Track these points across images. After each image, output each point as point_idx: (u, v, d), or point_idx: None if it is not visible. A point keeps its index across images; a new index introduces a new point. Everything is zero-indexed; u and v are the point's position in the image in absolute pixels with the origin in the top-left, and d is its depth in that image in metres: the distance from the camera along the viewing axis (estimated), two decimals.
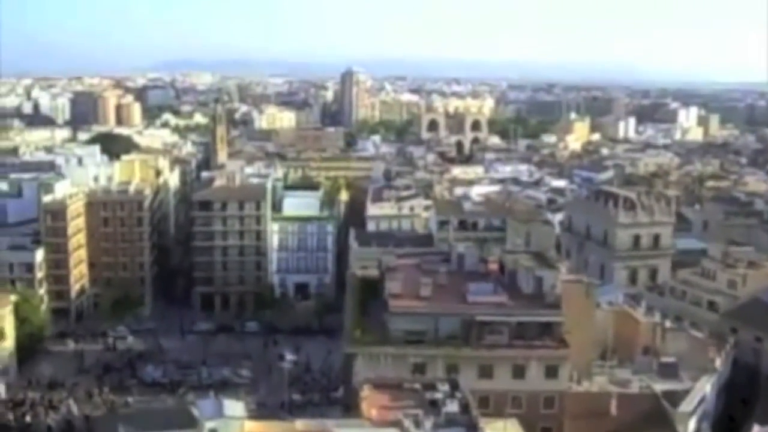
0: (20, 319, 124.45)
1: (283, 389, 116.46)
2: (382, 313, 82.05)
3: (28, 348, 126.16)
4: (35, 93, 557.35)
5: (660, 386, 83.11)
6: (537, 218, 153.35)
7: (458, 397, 69.47)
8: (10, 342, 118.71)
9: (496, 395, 77.54)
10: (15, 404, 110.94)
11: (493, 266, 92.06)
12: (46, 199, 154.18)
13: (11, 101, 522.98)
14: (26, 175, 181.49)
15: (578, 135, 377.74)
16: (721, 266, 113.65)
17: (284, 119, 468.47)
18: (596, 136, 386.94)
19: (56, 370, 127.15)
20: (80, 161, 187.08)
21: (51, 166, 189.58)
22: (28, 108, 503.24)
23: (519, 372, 79.29)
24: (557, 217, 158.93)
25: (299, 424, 63.35)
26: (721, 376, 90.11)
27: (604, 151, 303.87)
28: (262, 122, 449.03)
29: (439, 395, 69.60)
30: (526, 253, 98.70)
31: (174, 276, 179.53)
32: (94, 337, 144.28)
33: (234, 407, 61.11)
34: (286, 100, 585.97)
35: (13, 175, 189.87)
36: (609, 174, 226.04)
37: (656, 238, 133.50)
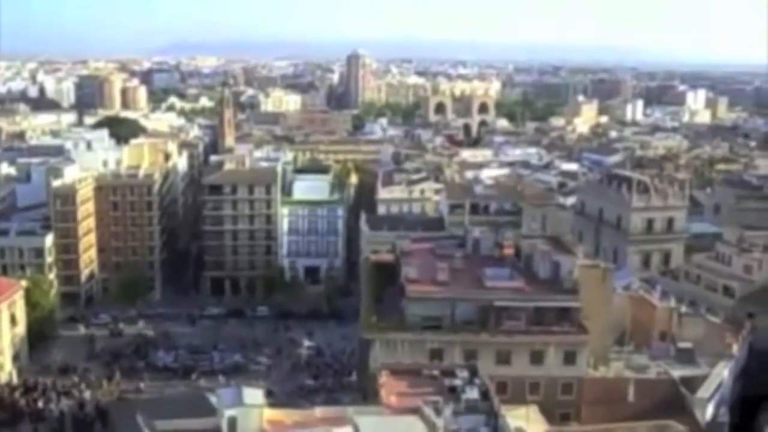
0: (31, 305, 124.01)
1: (301, 375, 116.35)
2: (398, 299, 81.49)
3: (39, 333, 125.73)
4: (40, 77, 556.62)
5: (677, 372, 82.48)
6: (552, 202, 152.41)
7: (477, 384, 68.99)
8: (21, 327, 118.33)
9: (514, 381, 77.12)
10: (27, 389, 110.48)
11: (509, 251, 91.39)
12: (55, 183, 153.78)
13: (16, 85, 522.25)
14: (34, 160, 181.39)
15: (586, 118, 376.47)
16: (736, 251, 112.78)
17: (290, 102, 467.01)
18: (604, 119, 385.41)
19: (67, 355, 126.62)
20: (89, 145, 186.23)
21: (59, 151, 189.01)
22: (33, 92, 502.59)
23: (537, 358, 78.77)
24: (569, 201, 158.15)
25: (318, 411, 62.88)
26: (738, 362, 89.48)
27: (613, 134, 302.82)
28: (268, 105, 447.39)
29: (458, 382, 69.13)
30: (542, 237, 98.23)
31: (183, 260, 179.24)
32: (105, 322, 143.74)
33: (253, 395, 60.57)
34: (291, 83, 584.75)
35: (21, 160, 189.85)
36: (618, 157, 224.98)
37: (669, 222, 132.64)
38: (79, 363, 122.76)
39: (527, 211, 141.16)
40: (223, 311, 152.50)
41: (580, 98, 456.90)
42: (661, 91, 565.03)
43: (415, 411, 61.37)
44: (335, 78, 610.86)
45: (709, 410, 78.74)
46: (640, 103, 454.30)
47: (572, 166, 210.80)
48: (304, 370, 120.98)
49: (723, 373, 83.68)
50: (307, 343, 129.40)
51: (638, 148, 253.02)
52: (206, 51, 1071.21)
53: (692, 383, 79.67)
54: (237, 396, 60.34)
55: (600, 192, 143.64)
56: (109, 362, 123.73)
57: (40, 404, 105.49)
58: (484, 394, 67.37)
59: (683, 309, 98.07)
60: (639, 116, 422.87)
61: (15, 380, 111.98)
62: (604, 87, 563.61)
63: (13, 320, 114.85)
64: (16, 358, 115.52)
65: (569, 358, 78.99)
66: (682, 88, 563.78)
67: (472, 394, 67.07)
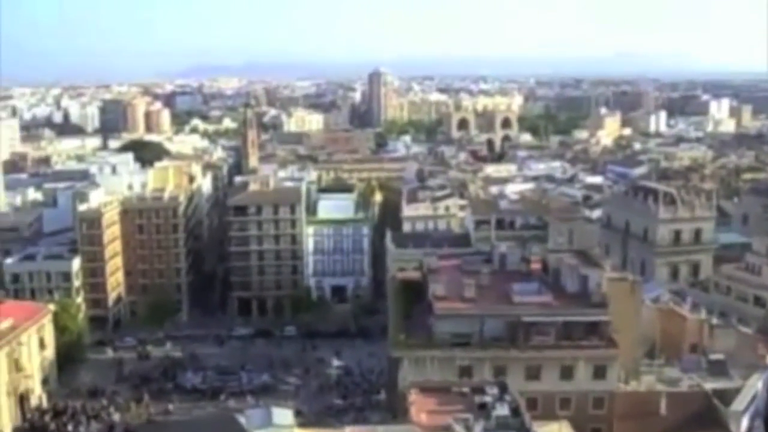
0: (59, 328, 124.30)
1: (330, 395, 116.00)
2: (425, 316, 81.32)
3: (68, 357, 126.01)
4: (65, 102, 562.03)
5: (710, 384, 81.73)
6: (578, 216, 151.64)
7: (508, 400, 68.52)
8: (50, 351, 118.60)
9: (544, 397, 76.68)
10: (56, 413, 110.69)
11: (536, 265, 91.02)
12: (81, 207, 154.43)
13: (41, 111, 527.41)
14: (60, 185, 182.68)
15: (609, 130, 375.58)
16: (766, 260, 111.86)
17: (313, 121, 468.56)
18: (627, 131, 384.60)
19: (96, 378, 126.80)
20: (114, 169, 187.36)
21: (84, 175, 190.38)
22: (58, 117, 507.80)
23: (567, 373, 78.37)
24: (594, 214, 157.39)
25: (348, 430, 62.66)
26: None
27: (637, 146, 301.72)
28: (290, 125, 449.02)
29: (488, 398, 68.68)
30: (569, 251, 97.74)
31: (210, 282, 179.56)
32: (136, 344, 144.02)
33: (283, 415, 60.48)
34: (314, 103, 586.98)
35: (47, 185, 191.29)
36: (643, 169, 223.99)
37: (697, 233, 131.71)
38: (107, 386, 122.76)
39: (553, 225, 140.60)
40: (251, 331, 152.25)
41: (603, 111, 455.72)
42: (684, 101, 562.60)
43: (446, 429, 61.10)
44: (357, 96, 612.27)
45: (744, 423, 77.73)
46: (663, 114, 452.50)
47: (597, 179, 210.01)
48: (333, 390, 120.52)
49: (757, 384, 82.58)
50: (336, 362, 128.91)
51: (663, 160, 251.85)
52: (228, 73, 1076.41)
53: (725, 396, 78.80)
54: (266, 416, 60.21)
55: (626, 204, 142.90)
56: (137, 385, 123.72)
57: (70, 428, 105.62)
58: (515, 411, 66.88)
59: (714, 320, 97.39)
60: (662, 127, 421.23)
61: (45, 404, 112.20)
62: (627, 99, 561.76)
63: (42, 344, 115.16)
64: (45, 381, 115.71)
65: (599, 372, 78.53)
66: (705, 97, 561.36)
67: (503, 410, 66.59)
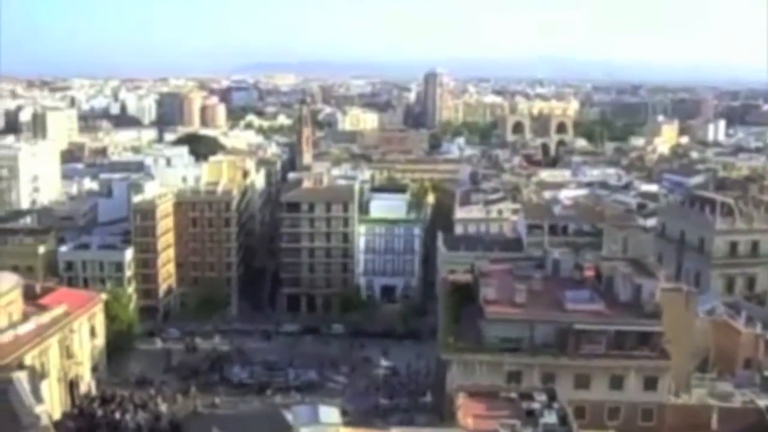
0: (110, 317, 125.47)
1: (376, 395, 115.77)
2: (476, 320, 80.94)
3: (117, 346, 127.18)
4: (122, 94, 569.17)
5: (764, 401, 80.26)
6: (633, 224, 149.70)
7: (556, 408, 68.02)
8: (100, 339, 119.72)
9: (593, 406, 76.03)
10: (104, 401, 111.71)
11: (589, 273, 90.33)
12: (136, 199, 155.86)
13: (99, 103, 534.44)
14: (116, 176, 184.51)
15: (666, 138, 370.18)
16: None
17: (367, 120, 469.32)
18: (685, 139, 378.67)
19: (144, 368, 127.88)
20: (169, 162, 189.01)
21: (140, 167, 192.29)
22: (115, 109, 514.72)
23: (617, 383, 77.73)
24: (649, 222, 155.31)
25: (394, 431, 62.39)
26: None
27: (694, 155, 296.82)
28: (345, 124, 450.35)
29: (536, 405, 68.26)
30: (623, 259, 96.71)
31: (259, 277, 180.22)
32: (182, 336, 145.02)
33: (329, 414, 60.33)
34: (368, 102, 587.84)
35: (103, 176, 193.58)
36: (700, 178, 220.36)
37: (755, 245, 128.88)
38: (155, 376, 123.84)
39: (608, 232, 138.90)
40: (299, 328, 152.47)
41: (660, 118, 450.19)
42: (744, 110, 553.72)
43: None
44: (412, 97, 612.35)
45: None
46: (722, 123, 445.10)
47: (652, 187, 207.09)
48: (379, 389, 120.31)
49: None
50: (384, 362, 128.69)
51: (721, 169, 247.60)
52: (284, 70, 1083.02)
53: None
54: (313, 414, 60.13)
55: (682, 214, 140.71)
56: (185, 377, 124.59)
57: (117, 416, 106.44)
58: (563, 419, 66.35)
59: None
60: (721, 136, 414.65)
61: (93, 391, 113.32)
62: (685, 106, 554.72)
63: (92, 332, 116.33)
64: (94, 369, 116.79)
65: (650, 383, 77.82)
66: (766, 107, 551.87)
67: (551, 418, 66.14)
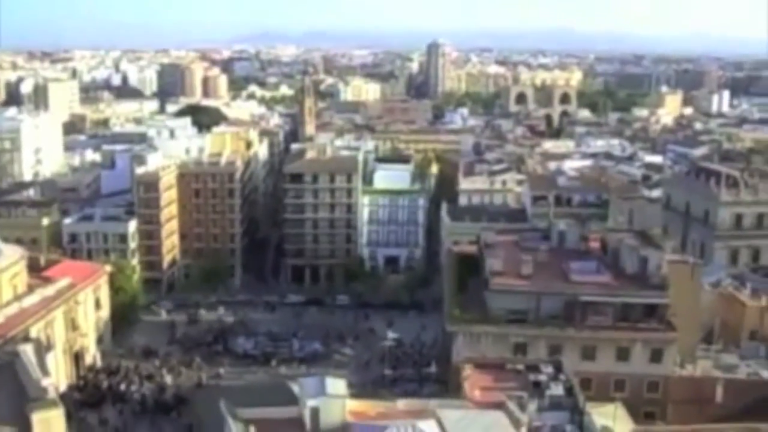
0: (114, 289, 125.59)
1: (381, 366, 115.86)
2: (481, 291, 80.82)
3: (122, 317, 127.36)
4: (123, 65, 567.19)
5: None
6: (639, 195, 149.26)
7: (562, 380, 67.92)
8: (105, 311, 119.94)
9: (599, 378, 76.00)
10: (110, 372, 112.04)
11: (595, 244, 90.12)
12: (139, 170, 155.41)
13: (100, 74, 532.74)
14: (118, 147, 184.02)
15: (670, 109, 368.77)
16: None
17: (370, 91, 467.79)
18: (689, 110, 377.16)
19: (149, 339, 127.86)
20: (172, 133, 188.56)
21: (142, 138, 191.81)
22: (116, 80, 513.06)
23: (623, 354, 77.73)
24: (654, 194, 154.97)
25: (401, 403, 62.17)
26: None
27: (698, 126, 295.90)
28: (347, 94, 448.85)
29: (542, 377, 68.20)
30: (628, 231, 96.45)
31: (263, 248, 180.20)
32: (186, 307, 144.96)
33: (336, 385, 60.00)
34: (371, 72, 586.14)
35: (105, 147, 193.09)
36: (704, 149, 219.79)
37: (760, 218, 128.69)
38: (160, 348, 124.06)
39: (614, 204, 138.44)
40: (303, 299, 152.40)
41: (664, 89, 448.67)
42: (749, 81, 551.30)
43: (500, 406, 60.31)
44: (414, 67, 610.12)
45: None
46: (726, 94, 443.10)
47: (656, 158, 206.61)
48: (384, 360, 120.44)
49: None
50: (391, 334, 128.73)
51: (725, 141, 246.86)
52: (286, 41, 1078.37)
53: None
54: (320, 385, 59.76)
55: (687, 185, 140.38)
56: (189, 348, 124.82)
57: (123, 387, 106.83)
58: (569, 390, 66.30)
59: None
60: (725, 107, 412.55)
61: (99, 363, 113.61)
62: (688, 77, 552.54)
63: (97, 304, 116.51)
64: (99, 341, 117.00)
65: (656, 355, 77.84)
66: None
67: (557, 390, 66.07)
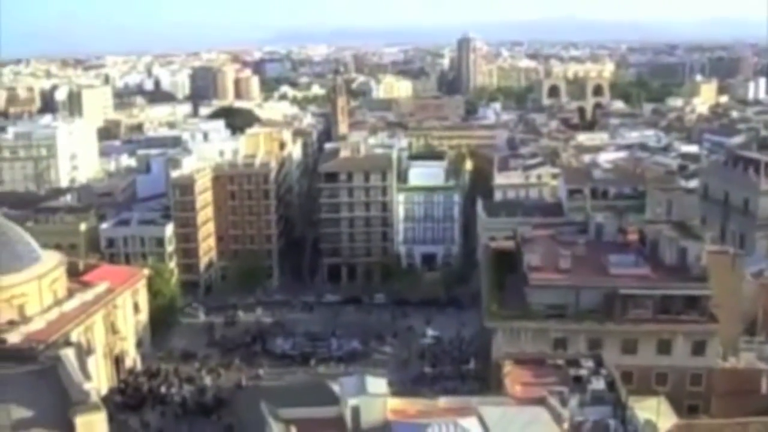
0: (152, 293, 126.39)
1: (420, 364, 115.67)
2: (520, 287, 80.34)
3: (161, 320, 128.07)
4: (155, 70, 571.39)
5: None
6: (676, 186, 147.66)
7: (603, 374, 67.59)
8: (144, 315, 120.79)
9: (640, 371, 75.40)
10: (150, 375, 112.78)
11: (633, 236, 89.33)
12: (174, 174, 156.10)
13: (133, 79, 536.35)
14: (153, 151, 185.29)
15: (705, 97, 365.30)
16: None
17: (401, 88, 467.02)
18: (724, 98, 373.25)
19: (188, 342, 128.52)
20: (206, 136, 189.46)
21: (176, 142, 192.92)
22: (149, 85, 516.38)
23: (664, 347, 76.91)
24: (691, 184, 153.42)
25: (442, 401, 62.08)
26: None
27: (734, 114, 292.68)
28: (379, 92, 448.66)
29: (583, 372, 67.89)
30: (667, 222, 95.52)
31: (300, 248, 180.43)
32: (224, 309, 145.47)
33: (377, 384, 60.00)
34: (402, 69, 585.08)
35: (140, 152, 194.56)
36: (741, 138, 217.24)
37: None
38: (199, 350, 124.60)
39: (652, 195, 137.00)
40: (340, 298, 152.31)
41: (698, 77, 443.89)
42: None
43: (541, 401, 60.10)
44: (446, 63, 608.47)
45: None
46: (762, 81, 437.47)
47: (692, 148, 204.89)
48: (422, 358, 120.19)
49: None
50: (429, 332, 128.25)
51: (762, 128, 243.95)
52: (316, 40, 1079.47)
53: None
54: (360, 385, 59.81)
55: (725, 175, 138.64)
56: (228, 349, 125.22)
57: (163, 390, 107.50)
58: (611, 385, 65.87)
59: None
60: (762, 95, 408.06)
61: (139, 366, 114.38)
62: (723, 65, 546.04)
63: (136, 307, 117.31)
64: (139, 344, 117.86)
65: (698, 347, 76.95)
66: None
67: (599, 384, 65.67)
